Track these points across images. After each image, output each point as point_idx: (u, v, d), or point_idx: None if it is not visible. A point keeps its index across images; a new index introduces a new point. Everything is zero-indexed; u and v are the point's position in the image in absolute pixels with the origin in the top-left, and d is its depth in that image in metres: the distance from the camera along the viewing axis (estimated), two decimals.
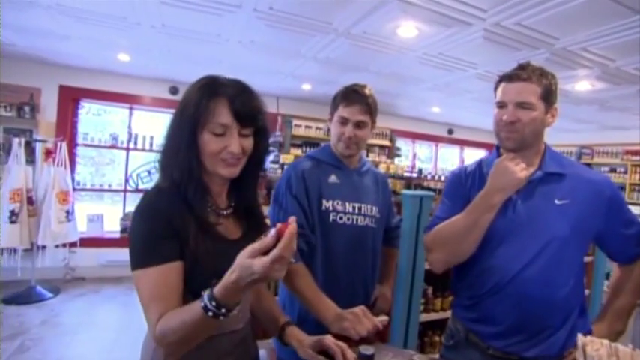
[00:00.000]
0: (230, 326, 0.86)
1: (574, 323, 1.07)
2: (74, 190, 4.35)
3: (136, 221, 0.78)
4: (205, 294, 0.67)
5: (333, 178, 1.40)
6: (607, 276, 5.00)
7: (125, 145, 4.81)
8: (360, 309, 1.11)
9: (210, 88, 0.81)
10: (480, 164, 1.23)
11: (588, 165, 6.06)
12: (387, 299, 1.60)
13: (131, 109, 4.89)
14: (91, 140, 4.68)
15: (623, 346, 0.65)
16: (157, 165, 0.86)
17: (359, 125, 1.36)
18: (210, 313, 0.66)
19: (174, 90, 4.85)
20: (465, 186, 1.20)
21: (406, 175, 3.79)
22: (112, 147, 4.81)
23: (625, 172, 5.53)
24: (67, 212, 3.74)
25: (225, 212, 0.89)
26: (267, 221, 1.27)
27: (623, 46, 2.52)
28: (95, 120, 5.05)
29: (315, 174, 1.38)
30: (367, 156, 5.73)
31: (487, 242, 1.09)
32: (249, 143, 0.85)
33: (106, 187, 4.94)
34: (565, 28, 2.34)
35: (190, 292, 0.77)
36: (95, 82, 4.48)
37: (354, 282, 1.41)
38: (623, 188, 5.51)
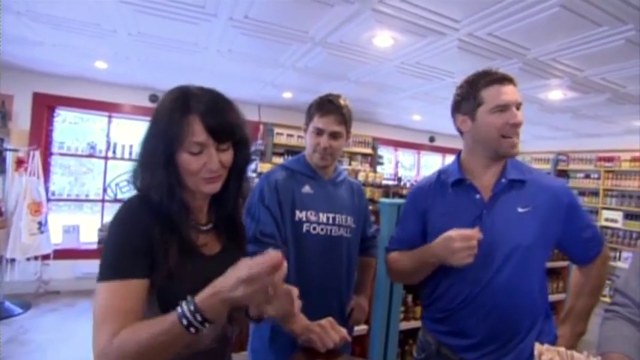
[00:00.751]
0: (206, 343, 0.82)
1: (541, 328, 1.08)
2: (49, 200, 4.22)
3: (112, 232, 0.75)
4: (183, 302, 0.65)
5: (306, 189, 1.40)
6: None
7: (104, 154, 4.70)
8: (327, 321, 1.09)
9: (182, 103, 0.77)
10: (439, 174, 1.23)
11: (564, 171, 6.23)
12: (363, 310, 1.58)
13: (110, 117, 4.78)
14: (68, 149, 4.54)
15: (578, 353, 0.65)
16: (132, 177, 0.82)
17: (334, 136, 1.36)
18: (185, 322, 0.63)
19: (154, 98, 4.77)
20: (424, 199, 1.21)
21: (384, 183, 3.81)
22: (90, 156, 4.68)
23: (598, 178, 5.69)
24: (40, 223, 3.60)
25: (205, 228, 0.86)
26: None
27: (590, 57, 2.61)
28: (72, 128, 4.92)
29: (288, 184, 1.37)
30: (349, 164, 5.74)
31: None
32: (228, 157, 0.82)
33: (83, 196, 4.80)
34: (535, 39, 2.41)
35: (162, 310, 0.73)
36: (71, 89, 4.37)
37: (328, 293, 1.39)
38: (597, 193, 5.67)
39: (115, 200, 4.55)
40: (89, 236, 4.50)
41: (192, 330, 0.64)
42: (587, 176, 5.92)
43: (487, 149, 1.10)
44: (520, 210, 1.06)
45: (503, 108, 1.04)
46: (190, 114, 0.77)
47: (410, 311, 2.48)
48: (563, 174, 6.26)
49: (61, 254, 4.13)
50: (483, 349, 1.05)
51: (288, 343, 1.23)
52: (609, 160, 5.58)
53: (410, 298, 2.48)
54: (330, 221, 1.38)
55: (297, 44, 2.80)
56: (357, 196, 1.52)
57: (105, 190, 4.63)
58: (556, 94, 3.57)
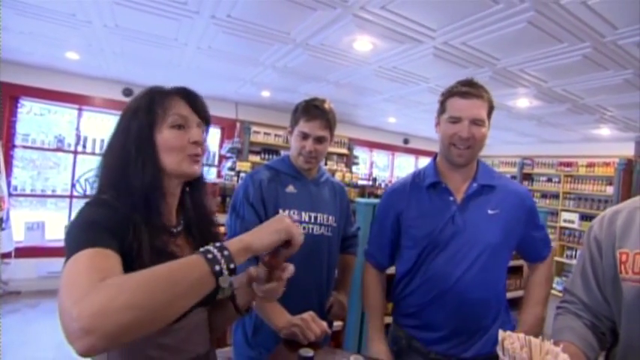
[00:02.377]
0: (189, 353, 0.80)
1: (503, 320, 1.18)
2: (10, 195, 4.00)
3: (76, 219, 0.67)
4: (209, 245, 0.62)
5: (290, 188, 1.42)
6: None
7: (73, 148, 4.51)
8: (308, 314, 1.13)
9: (159, 90, 0.80)
10: (413, 177, 1.29)
11: (529, 175, 6.58)
12: (342, 306, 1.60)
13: (80, 110, 4.60)
14: (33, 142, 4.33)
15: (535, 338, 0.73)
16: (97, 178, 0.78)
17: (319, 140, 1.39)
18: (210, 256, 0.59)
19: (128, 92, 4.63)
20: (399, 201, 1.27)
21: (361, 183, 3.90)
22: (58, 149, 4.48)
23: (559, 182, 6.07)
24: (0, 220, 3.42)
25: (175, 230, 0.83)
26: (223, 229, 1.26)
27: (553, 70, 2.81)
28: (38, 120, 4.68)
29: (272, 183, 1.40)
30: (325, 164, 5.81)
31: (428, 253, 1.16)
32: (204, 138, 0.83)
33: (49, 192, 4.58)
34: (505, 50, 2.57)
35: None
36: (38, 79, 4.17)
37: (308, 290, 1.41)
38: (557, 196, 6.05)
39: (85, 196, 4.37)
40: (54, 233, 4.31)
41: (217, 268, 0.58)
42: (549, 180, 6.30)
43: (443, 154, 1.20)
44: (490, 212, 1.14)
45: (456, 120, 1.12)
46: (170, 95, 0.79)
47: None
48: (528, 177, 6.62)
49: (24, 252, 3.94)
50: (451, 341, 1.13)
51: (270, 337, 1.26)
52: (568, 165, 5.97)
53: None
54: (312, 220, 1.42)
55: (278, 45, 2.82)
56: (339, 196, 1.56)
57: (74, 185, 4.44)
58: (523, 102, 3.80)
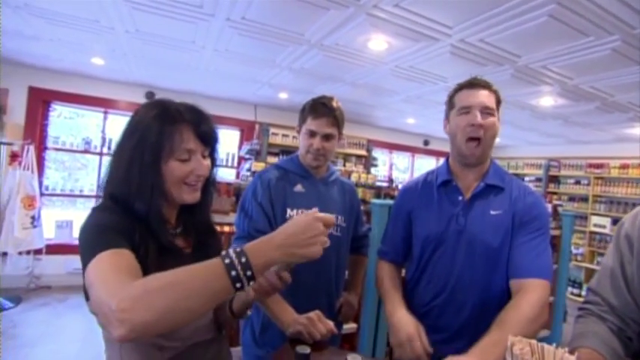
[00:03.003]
0: (198, 335, 0.84)
1: None
2: (42, 195, 4.21)
3: (86, 226, 0.73)
4: (232, 251, 0.63)
5: (298, 187, 1.42)
6: (574, 284, 5.17)
7: (99, 150, 4.70)
8: (314, 313, 1.12)
9: (168, 115, 0.80)
10: (427, 175, 1.29)
11: (555, 177, 6.32)
12: (352, 306, 1.60)
13: (106, 113, 4.79)
14: (63, 144, 4.55)
15: (548, 345, 0.69)
16: (104, 189, 0.82)
17: (327, 137, 1.39)
18: (234, 273, 0.60)
19: (150, 95, 4.79)
20: (411, 199, 1.27)
21: (377, 184, 3.86)
22: (85, 151, 4.69)
23: (588, 184, 5.79)
24: (33, 218, 3.60)
25: (175, 231, 0.88)
26: (228, 229, 1.26)
27: (578, 66, 2.68)
28: (67, 123, 4.92)
29: (281, 183, 1.40)
30: (344, 165, 5.78)
31: (432, 252, 1.15)
32: (209, 164, 0.86)
33: (77, 192, 4.79)
34: (526, 47, 2.47)
35: None
36: (68, 84, 4.37)
37: (317, 290, 1.41)
38: (586, 199, 5.76)
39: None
40: None
41: (234, 273, 0.60)
42: (578, 182, 6.01)
43: (455, 151, 1.17)
44: (492, 212, 1.10)
45: (467, 109, 1.10)
46: (181, 123, 0.80)
47: None
48: (555, 179, 6.35)
49: (54, 249, 4.13)
50: (454, 343, 1.09)
51: (277, 336, 1.26)
52: (599, 166, 5.68)
53: None
54: None
55: (293, 46, 2.83)
56: (349, 196, 1.55)
57: (99, 186, 4.62)
58: (547, 100, 3.65)
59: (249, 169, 3.43)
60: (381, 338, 2.35)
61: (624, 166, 5.37)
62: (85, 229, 0.73)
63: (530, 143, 6.57)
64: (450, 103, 1.17)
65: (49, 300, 3.80)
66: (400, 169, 7.41)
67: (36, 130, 4.27)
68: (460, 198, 1.15)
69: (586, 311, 0.90)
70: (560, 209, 2.99)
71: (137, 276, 0.64)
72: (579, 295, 5.00)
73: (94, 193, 4.78)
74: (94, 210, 0.77)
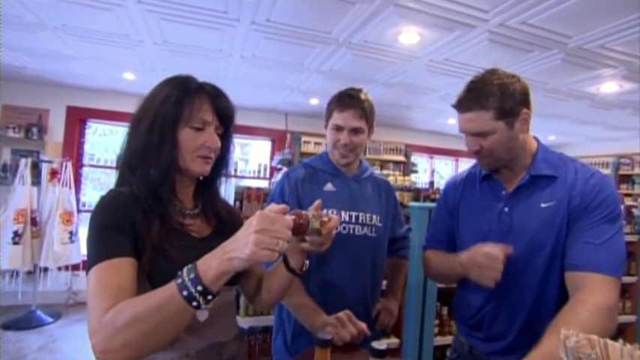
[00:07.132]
0: (213, 337, 0.85)
1: None
2: (79, 211, 4.54)
3: (93, 219, 0.78)
4: (185, 269, 0.66)
5: (329, 186, 1.41)
6: None
7: None
8: (344, 313, 1.12)
9: (189, 85, 0.88)
10: (469, 169, 1.29)
11: (628, 176, 5.87)
12: (390, 313, 1.56)
13: None
14: (97, 161, 4.92)
15: (612, 341, 0.63)
16: (118, 168, 0.89)
17: (355, 131, 1.37)
18: (186, 293, 0.63)
19: None
20: (454, 194, 1.27)
21: (414, 187, 3.80)
22: (117, 167, 5.01)
23: None
24: (71, 233, 3.89)
25: (191, 212, 0.92)
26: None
27: None
28: (102, 140, 5.32)
29: (309, 182, 1.40)
30: (380, 172, 5.73)
31: None
32: (219, 141, 0.91)
33: None
34: (576, 25, 2.34)
35: (154, 287, 0.72)
36: (102, 102, 4.77)
37: (352, 296, 1.37)
38: None
39: None
40: None
41: (185, 293, 0.63)
42: None
43: None
44: (543, 205, 1.04)
45: (463, 133, 1.14)
46: (200, 94, 0.87)
47: (445, 325, 2.43)
48: (627, 179, 5.90)
49: None
50: (511, 354, 1.05)
51: (309, 344, 1.27)
52: None
53: (445, 310, 2.44)
54: (353, 220, 1.38)
55: (320, 46, 2.91)
56: (385, 194, 1.52)
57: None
58: (610, 86, 3.42)
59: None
60: (427, 355, 2.27)
61: None
62: (90, 228, 0.77)
63: (592, 139, 6.16)
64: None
65: (85, 316, 4.04)
66: (443, 175, 7.21)
67: (73, 148, 4.67)
68: (504, 192, 1.12)
69: None
70: (635, 212, 2.82)
71: (124, 294, 0.69)
72: None
73: None
74: (96, 207, 0.80)
